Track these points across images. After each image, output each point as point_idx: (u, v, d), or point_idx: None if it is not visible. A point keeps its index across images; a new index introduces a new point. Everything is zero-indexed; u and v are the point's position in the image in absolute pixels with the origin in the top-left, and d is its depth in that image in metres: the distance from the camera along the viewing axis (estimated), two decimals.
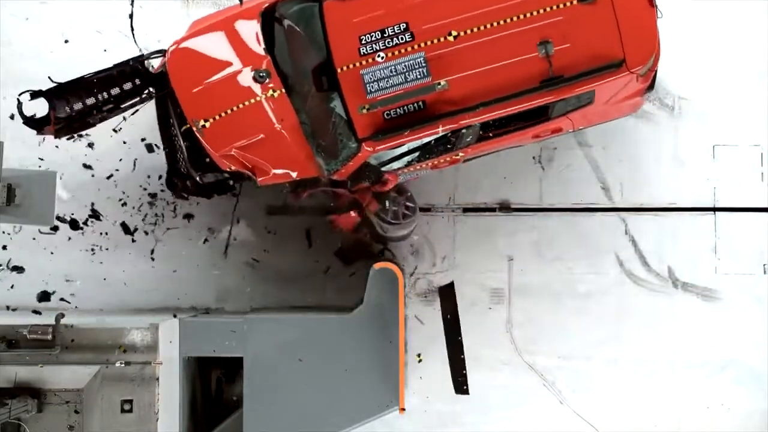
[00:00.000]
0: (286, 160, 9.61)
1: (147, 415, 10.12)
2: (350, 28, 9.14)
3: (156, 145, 11.25)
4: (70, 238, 11.38)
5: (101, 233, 11.41)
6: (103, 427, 10.13)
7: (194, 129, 9.58)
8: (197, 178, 9.98)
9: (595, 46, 8.99)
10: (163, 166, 10.84)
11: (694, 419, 11.28)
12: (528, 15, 8.98)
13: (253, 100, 9.50)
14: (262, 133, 9.51)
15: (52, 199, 9.28)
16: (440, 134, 9.33)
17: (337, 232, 11.11)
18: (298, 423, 10.03)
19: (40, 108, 9.62)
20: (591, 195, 11.41)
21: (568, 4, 8.99)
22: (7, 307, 11.24)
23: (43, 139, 10.98)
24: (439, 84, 9.06)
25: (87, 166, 11.39)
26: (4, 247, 11.34)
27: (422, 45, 9.07)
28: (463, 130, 9.32)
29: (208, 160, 9.80)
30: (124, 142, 11.34)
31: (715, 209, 11.37)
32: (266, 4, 9.57)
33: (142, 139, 11.33)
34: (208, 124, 9.56)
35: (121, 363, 10.02)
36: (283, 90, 9.46)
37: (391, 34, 9.10)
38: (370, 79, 9.07)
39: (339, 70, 9.18)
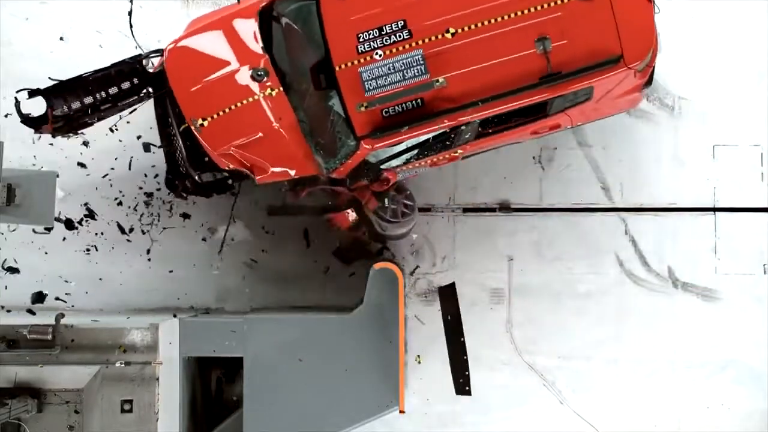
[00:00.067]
0: (284, 159, 9.61)
1: (147, 415, 10.11)
2: (348, 26, 9.13)
3: (152, 144, 11.25)
4: (65, 238, 11.37)
5: (96, 233, 11.40)
6: (103, 427, 10.12)
7: (192, 128, 9.59)
8: (196, 178, 9.99)
9: (592, 42, 8.99)
10: (160, 166, 10.86)
11: (694, 419, 11.28)
12: (525, 11, 8.98)
13: (251, 99, 9.50)
14: (261, 131, 9.51)
15: (52, 199, 9.29)
16: (439, 131, 9.33)
17: (334, 231, 11.11)
18: (298, 423, 10.03)
19: (37, 107, 9.62)
20: (591, 195, 11.41)
21: (566, 0, 8.99)
22: (2, 307, 11.22)
23: (39, 137, 10.97)
24: (438, 81, 9.06)
25: (81, 165, 11.37)
26: None
27: (420, 42, 9.07)
28: (462, 127, 9.32)
29: (207, 159, 9.80)
30: (120, 141, 11.32)
31: (715, 209, 11.37)
32: (264, 3, 9.58)
33: (138, 137, 11.31)
34: (206, 123, 9.56)
35: (121, 363, 10.01)
36: (281, 88, 9.46)
37: (388, 31, 9.09)
38: (369, 76, 9.06)
39: (337, 68, 9.18)
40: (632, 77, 9.34)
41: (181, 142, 9.85)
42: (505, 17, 9.00)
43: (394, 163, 9.73)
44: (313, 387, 10.05)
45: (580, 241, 11.36)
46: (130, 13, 11.44)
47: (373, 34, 9.11)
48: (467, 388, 11.32)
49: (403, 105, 9.14)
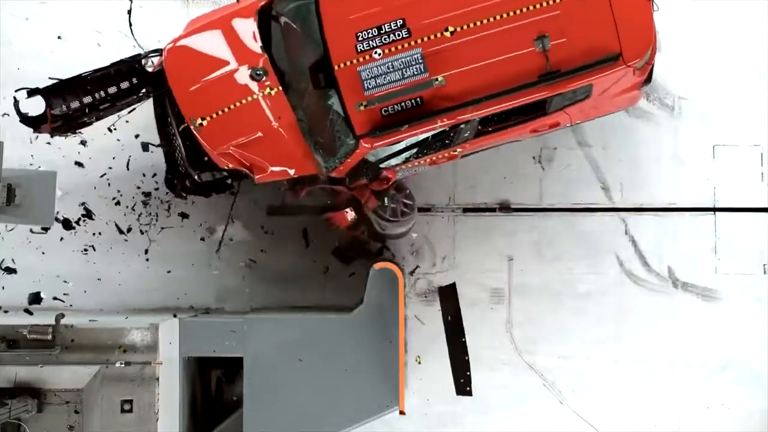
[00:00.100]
0: (283, 158, 9.61)
1: (147, 415, 10.12)
2: (347, 25, 9.13)
3: (151, 143, 11.24)
4: (62, 238, 11.36)
5: (94, 233, 11.39)
6: (103, 427, 10.13)
7: (191, 127, 9.59)
8: (196, 177, 9.99)
9: (591, 40, 8.98)
10: (158, 165, 10.86)
11: (694, 419, 11.28)
12: (524, 10, 8.97)
13: (250, 98, 9.50)
14: (260, 131, 9.51)
15: (52, 199, 9.29)
16: (438, 130, 9.33)
17: (333, 230, 11.09)
18: (298, 423, 10.03)
19: (36, 106, 9.61)
20: (591, 195, 11.41)
21: None
22: None
23: (37, 137, 10.96)
24: (437, 80, 9.06)
25: (79, 164, 11.36)
26: None
27: (419, 41, 9.07)
28: (461, 126, 9.32)
29: (206, 158, 9.81)
30: (118, 140, 11.31)
31: (715, 209, 11.37)
32: (263, 2, 9.58)
33: (136, 136, 11.29)
34: (205, 123, 9.56)
35: (121, 363, 10.02)
36: (280, 88, 9.46)
37: (387, 30, 9.09)
38: (368, 75, 9.06)
39: (336, 67, 9.18)
40: (631, 75, 9.34)
41: (180, 141, 9.86)
42: (504, 15, 9.00)
43: (394, 161, 9.74)
44: (313, 387, 10.05)
45: (580, 241, 11.36)
46: (129, 12, 11.44)
47: (372, 33, 9.11)
48: (468, 388, 11.31)
49: (402, 104, 9.15)
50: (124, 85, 9.89)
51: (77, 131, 10.19)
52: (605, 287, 11.33)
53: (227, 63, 9.55)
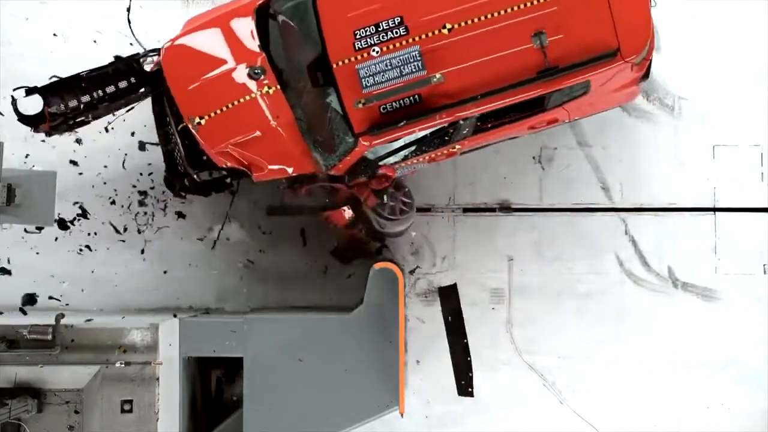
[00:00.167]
0: (281, 157, 9.61)
1: (147, 415, 10.11)
2: (345, 23, 9.13)
3: (148, 143, 11.23)
4: (57, 238, 11.34)
5: (89, 233, 11.37)
6: (103, 427, 10.12)
7: (190, 126, 9.58)
8: (195, 177, 9.99)
9: (589, 36, 8.99)
10: (155, 164, 10.86)
11: (694, 419, 11.28)
12: (522, 6, 8.97)
13: (248, 97, 9.49)
14: (258, 130, 9.51)
15: (52, 199, 9.29)
16: (437, 127, 9.33)
17: (331, 229, 11.07)
18: (298, 423, 10.04)
19: (34, 105, 9.61)
20: (591, 195, 11.41)
21: None
22: None
23: (33, 135, 10.92)
24: (435, 77, 9.06)
25: (74, 163, 11.34)
26: None
27: (417, 38, 9.07)
28: (460, 123, 9.33)
29: (205, 158, 9.81)
30: (115, 139, 11.28)
31: (715, 209, 11.37)
32: (261, 1, 9.57)
33: (132, 133, 11.28)
34: (203, 121, 9.56)
35: (121, 363, 10.01)
36: (278, 86, 9.46)
37: (385, 28, 9.09)
38: (366, 73, 9.07)
39: (334, 65, 9.18)
40: (629, 70, 9.35)
41: (179, 140, 9.86)
42: (502, 12, 9.00)
43: (392, 159, 9.74)
44: (313, 387, 10.05)
45: (580, 241, 11.36)
46: (128, 10, 11.43)
47: (369, 31, 9.11)
48: (470, 389, 11.31)
49: (401, 101, 9.16)
50: (123, 84, 9.89)
51: (74, 130, 10.19)
52: (605, 287, 11.33)
53: (225, 62, 9.54)
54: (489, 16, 9.02)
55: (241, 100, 9.51)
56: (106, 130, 11.12)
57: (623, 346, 11.30)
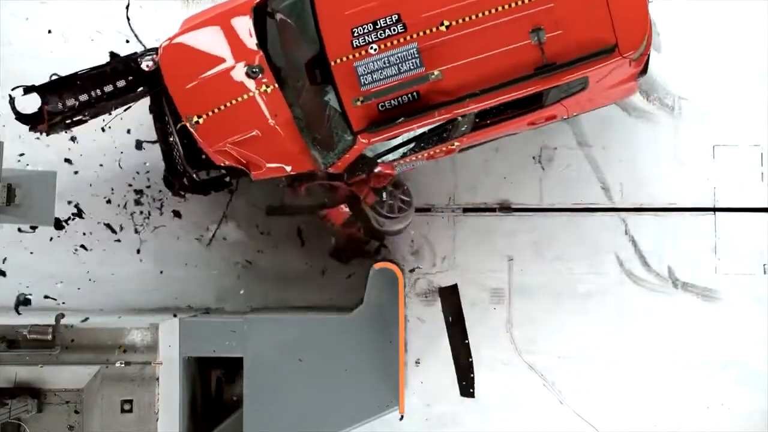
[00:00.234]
0: (280, 155, 9.62)
1: (147, 415, 10.12)
2: (342, 21, 9.13)
3: (145, 141, 11.22)
4: (52, 238, 11.32)
5: (85, 233, 11.36)
6: (103, 427, 10.13)
7: (188, 125, 9.58)
8: (194, 176, 9.99)
9: (587, 31, 8.99)
10: (152, 163, 10.87)
11: (694, 419, 11.28)
12: (519, 3, 8.97)
13: (246, 96, 9.49)
14: (256, 128, 9.50)
15: (52, 199, 9.30)
16: (435, 124, 9.34)
17: (329, 228, 11.05)
18: (298, 423, 10.04)
19: (31, 104, 9.60)
20: (591, 195, 11.40)
21: None
22: None
23: (25, 134, 10.91)
24: (433, 74, 9.05)
25: (68, 161, 11.32)
26: None
27: (415, 36, 9.07)
28: (458, 119, 9.33)
29: (204, 156, 9.81)
30: (111, 138, 11.26)
31: (715, 209, 11.37)
32: None
33: (128, 131, 11.26)
34: (201, 120, 9.56)
35: (121, 363, 10.02)
36: (276, 85, 9.46)
37: (383, 25, 9.09)
38: (364, 71, 9.07)
39: (332, 63, 9.18)
40: (627, 66, 9.36)
41: (178, 140, 9.86)
42: (499, 9, 9.00)
43: (391, 156, 9.74)
44: (313, 387, 10.05)
45: (580, 241, 11.36)
46: (127, 7, 11.42)
47: (367, 29, 9.12)
48: (471, 390, 11.30)
49: (399, 98, 9.16)
50: (121, 83, 9.90)
51: (72, 129, 10.20)
52: (605, 287, 11.33)
53: (223, 60, 9.54)
54: (486, 12, 9.02)
55: (239, 98, 9.51)
56: (103, 129, 11.11)
57: (623, 346, 11.29)
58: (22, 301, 11.20)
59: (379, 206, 10.26)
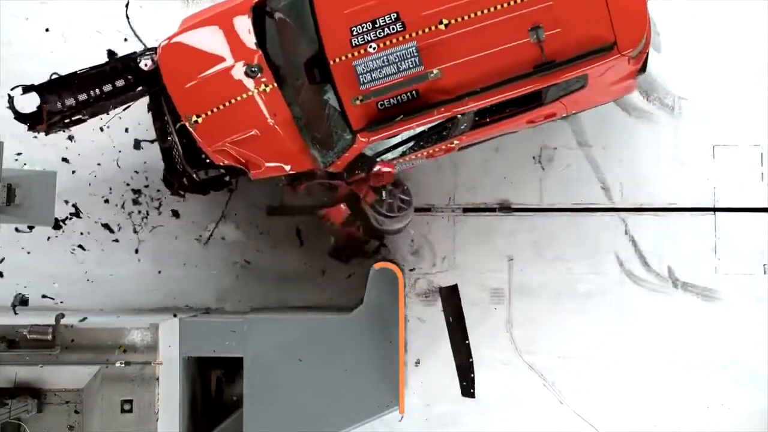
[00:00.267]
0: (279, 154, 9.63)
1: (147, 415, 10.11)
2: (341, 20, 9.14)
3: (143, 140, 11.21)
4: (49, 238, 11.31)
5: (82, 232, 11.35)
6: (103, 427, 10.12)
7: (187, 124, 9.58)
8: (193, 175, 9.99)
9: (585, 29, 9.00)
10: (150, 163, 10.86)
11: (694, 419, 11.28)
12: (518, 1, 8.99)
13: (245, 95, 9.50)
14: (256, 128, 9.51)
15: (52, 199, 9.30)
16: (435, 122, 9.33)
17: (328, 227, 11.04)
18: (298, 423, 10.04)
19: (30, 103, 9.59)
20: (591, 195, 11.40)
21: None
22: None
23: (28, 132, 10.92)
24: (432, 73, 9.06)
25: (66, 161, 11.31)
26: None
27: (414, 34, 9.08)
28: (458, 118, 9.33)
29: (203, 156, 9.81)
30: (109, 138, 11.25)
31: (715, 209, 11.37)
32: None
33: (126, 130, 11.24)
34: (200, 120, 9.56)
35: (121, 363, 10.01)
36: (275, 84, 9.47)
37: (382, 24, 9.10)
38: (363, 70, 9.07)
39: (331, 62, 9.19)
40: (626, 64, 9.36)
41: (177, 139, 9.86)
42: (498, 7, 9.01)
43: (391, 155, 9.74)
44: (313, 387, 10.05)
45: (580, 241, 11.36)
46: (127, 6, 11.41)
47: (366, 27, 9.12)
48: (472, 390, 11.30)
49: (398, 97, 9.17)
50: (120, 82, 9.91)
51: (70, 128, 10.19)
52: (605, 287, 11.33)
53: (222, 59, 9.56)
54: (485, 11, 9.03)
55: (238, 98, 9.51)
56: (101, 129, 11.10)
57: (623, 346, 11.29)
58: (21, 301, 11.19)
59: (379, 205, 10.25)
